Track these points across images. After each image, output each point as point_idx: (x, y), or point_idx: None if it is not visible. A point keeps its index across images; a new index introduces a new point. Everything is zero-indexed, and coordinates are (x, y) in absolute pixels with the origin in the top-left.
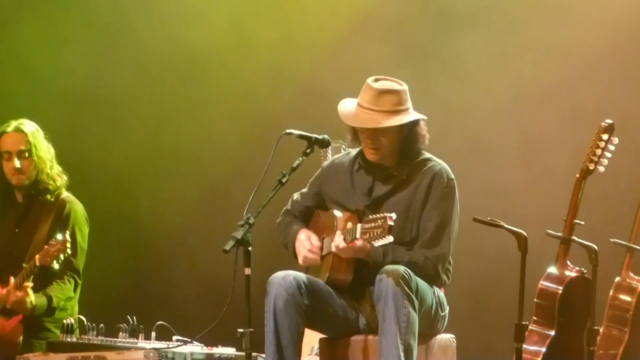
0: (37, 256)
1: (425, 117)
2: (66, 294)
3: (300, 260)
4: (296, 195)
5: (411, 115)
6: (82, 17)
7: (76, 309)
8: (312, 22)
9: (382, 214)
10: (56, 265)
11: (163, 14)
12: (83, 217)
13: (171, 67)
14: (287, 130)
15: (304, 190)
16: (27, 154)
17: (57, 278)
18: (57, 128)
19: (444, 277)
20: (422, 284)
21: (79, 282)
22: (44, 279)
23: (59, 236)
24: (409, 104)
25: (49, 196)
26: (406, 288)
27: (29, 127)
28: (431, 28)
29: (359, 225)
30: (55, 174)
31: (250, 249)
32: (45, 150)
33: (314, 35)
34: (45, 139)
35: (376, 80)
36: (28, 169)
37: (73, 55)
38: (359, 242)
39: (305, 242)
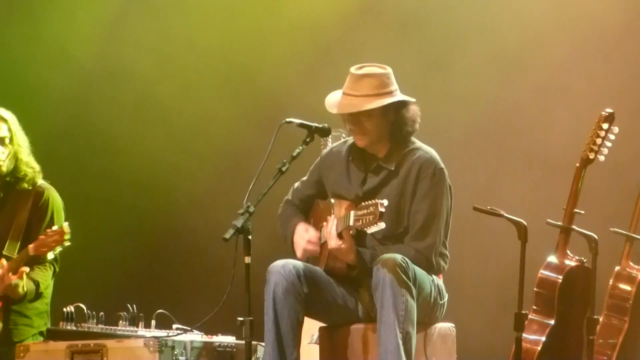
0: (30, 245)
1: (412, 99)
2: (47, 280)
3: (299, 254)
4: (297, 184)
5: (394, 98)
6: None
7: (49, 299)
8: (315, 8)
9: (373, 201)
10: (51, 255)
11: (163, 7)
12: (60, 205)
13: (177, 59)
14: (287, 119)
15: (305, 178)
16: (7, 141)
17: (37, 264)
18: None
19: (441, 263)
20: (420, 272)
21: (57, 269)
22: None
23: (55, 227)
24: (393, 87)
25: (25, 184)
26: (404, 276)
27: (8, 114)
28: (435, 12)
29: (352, 213)
30: (32, 163)
31: (250, 237)
32: (23, 138)
33: (316, 22)
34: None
35: (359, 67)
36: (7, 156)
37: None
38: (344, 245)
39: (304, 234)
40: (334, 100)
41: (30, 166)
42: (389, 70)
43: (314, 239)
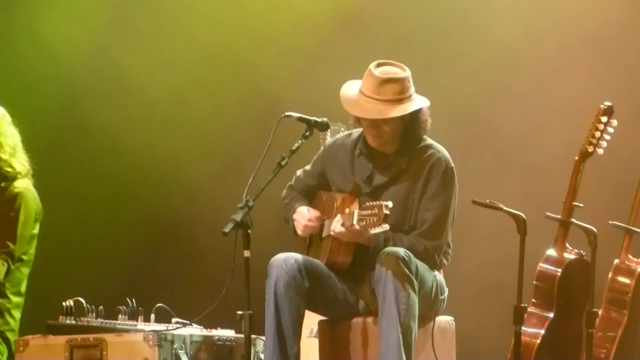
0: None
1: (428, 103)
2: None
3: (299, 231)
4: (299, 172)
5: (414, 103)
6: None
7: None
8: (313, 4)
9: (379, 202)
10: None
11: (161, 3)
12: (31, 206)
13: (175, 54)
14: (287, 113)
15: (308, 167)
16: None
17: None
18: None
19: (444, 260)
20: (422, 266)
21: (12, 267)
22: None
23: None
24: (412, 90)
25: (3, 183)
26: (406, 270)
27: None
28: (435, 8)
29: (356, 212)
30: (16, 161)
31: (249, 231)
32: (5, 135)
33: (314, 18)
34: (12, 125)
35: (379, 65)
36: None
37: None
38: (357, 228)
39: (305, 213)
40: (351, 97)
41: (11, 165)
42: (409, 72)
43: (314, 219)
